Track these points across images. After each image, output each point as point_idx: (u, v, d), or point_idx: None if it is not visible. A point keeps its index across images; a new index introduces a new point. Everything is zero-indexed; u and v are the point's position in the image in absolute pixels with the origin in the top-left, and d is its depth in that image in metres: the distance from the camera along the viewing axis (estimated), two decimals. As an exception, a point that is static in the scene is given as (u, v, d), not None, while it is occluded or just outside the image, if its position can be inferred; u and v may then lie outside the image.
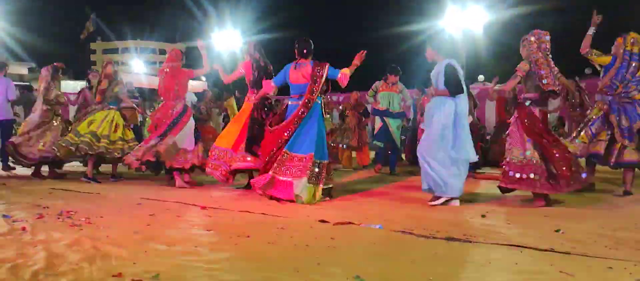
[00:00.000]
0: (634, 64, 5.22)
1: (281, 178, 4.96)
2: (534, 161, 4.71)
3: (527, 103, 4.86)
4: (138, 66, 36.85)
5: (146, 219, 4.00)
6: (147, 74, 32.25)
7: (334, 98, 16.44)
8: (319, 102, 5.20)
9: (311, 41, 5.33)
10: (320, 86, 5.12)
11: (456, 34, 23.60)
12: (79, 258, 2.66)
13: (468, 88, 5.58)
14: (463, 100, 4.84)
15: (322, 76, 5.10)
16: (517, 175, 4.74)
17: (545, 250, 2.99)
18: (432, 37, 4.99)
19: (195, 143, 6.40)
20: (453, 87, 4.77)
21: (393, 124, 7.79)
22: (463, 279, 2.55)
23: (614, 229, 3.67)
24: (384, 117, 7.79)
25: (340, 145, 8.88)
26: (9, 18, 24.67)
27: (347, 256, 2.91)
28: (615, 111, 5.25)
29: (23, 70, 24.76)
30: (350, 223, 3.83)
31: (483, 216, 4.22)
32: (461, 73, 4.88)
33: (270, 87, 5.50)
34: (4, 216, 3.98)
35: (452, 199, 4.77)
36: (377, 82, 8.02)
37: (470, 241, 3.25)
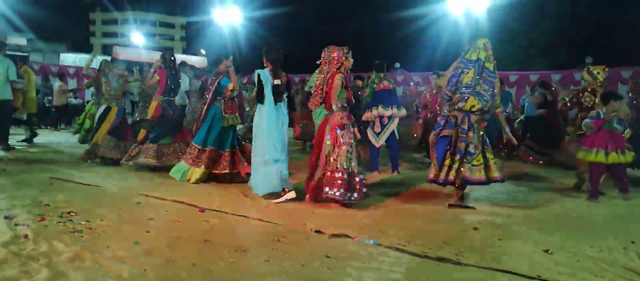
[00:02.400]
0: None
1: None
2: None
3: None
4: (137, 39, 36.49)
5: (145, 224, 4.08)
6: (146, 48, 32.09)
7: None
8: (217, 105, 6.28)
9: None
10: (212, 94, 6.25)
11: (459, 17, 23.51)
12: (81, 280, 2.74)
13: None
14: (267, 106, 5.39)
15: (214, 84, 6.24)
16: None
17: (532, 278, 3.08)
18: (267, 49, 5.55)
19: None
20: (257, 95, 5.46)
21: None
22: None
23: (601, 249, 3.76)
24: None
25: None
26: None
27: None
28: None
29: (22, 41, 24.50)
30: (345, 235, 3.92)
31: (476, 228, 4.31)
32: (268, 82, 5.40)
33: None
34: (5, 218, 4.06)
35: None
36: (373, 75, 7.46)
37: (461, 263, 3.34)
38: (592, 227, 4.54)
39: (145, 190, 5.52)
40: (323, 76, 5.22)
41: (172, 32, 71.73)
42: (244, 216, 4.51)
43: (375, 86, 7.41)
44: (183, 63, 9.65)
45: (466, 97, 5.01)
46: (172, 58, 7.13)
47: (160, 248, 3.41)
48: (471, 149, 5.02)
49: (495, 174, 5.08)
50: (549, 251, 3.65)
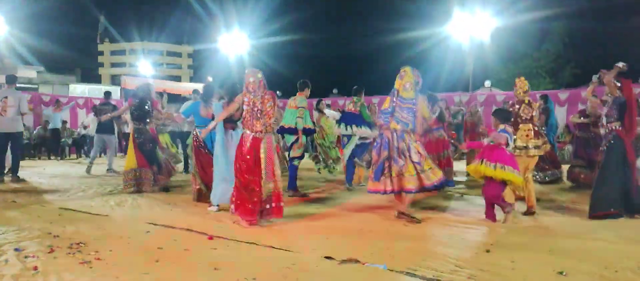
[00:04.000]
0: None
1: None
2: None
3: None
4: (145, 68, 36.95)
5: (155, 253, 4.07)
6: (154, 76, 32.48)
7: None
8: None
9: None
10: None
11: (463, 40, 23.65)
12: (90, 311, 2.72)
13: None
14: (220, 133, 6.03)
15: None
16: None
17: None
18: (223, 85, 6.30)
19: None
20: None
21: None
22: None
23: (616, 270, 3.69)
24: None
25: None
26: (17, 23, 24.91)
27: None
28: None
29: (32, 74, 24.88)
30: (355, 260, 3.88)
31: (488, 251, 4.25)
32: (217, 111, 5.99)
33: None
34: (15, 249, 4.07)
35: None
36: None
37: (474, 287, 3.29)
38: (603, 247, 4.46)
39: (154, 218, 5.52)
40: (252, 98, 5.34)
41: (179, 61, 72.60)
42: (253, 243, 4.48)
43: (347, 108, 8.35)
44: (195, 91, 10.65)
45: (388, 120, 5.53)
46: (147, 88, 7.91)
47: (170, 278, 3.39)
48: (403, 161, 5.39)
49: (427, 182, 5.40)
50: (564, 274, 3.59)
